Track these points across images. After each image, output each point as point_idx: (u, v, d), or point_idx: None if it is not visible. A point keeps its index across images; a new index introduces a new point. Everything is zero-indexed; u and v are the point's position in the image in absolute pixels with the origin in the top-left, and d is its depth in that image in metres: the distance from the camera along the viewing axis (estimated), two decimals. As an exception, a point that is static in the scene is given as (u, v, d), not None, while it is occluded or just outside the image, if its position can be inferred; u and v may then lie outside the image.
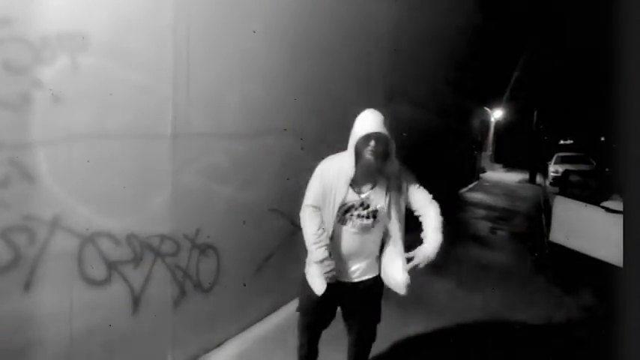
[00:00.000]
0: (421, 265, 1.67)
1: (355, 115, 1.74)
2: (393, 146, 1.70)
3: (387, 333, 2.61)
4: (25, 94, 1.60)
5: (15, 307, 1.64)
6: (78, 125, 1.77)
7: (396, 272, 1.75)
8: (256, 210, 2.82)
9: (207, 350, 2.53)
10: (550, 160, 15.15)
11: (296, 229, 2.82)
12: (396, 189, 1.77)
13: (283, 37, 2.92)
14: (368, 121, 1.66)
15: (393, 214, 1.76)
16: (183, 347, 2.36)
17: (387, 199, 1.74)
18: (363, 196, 1.73)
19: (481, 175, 15.38)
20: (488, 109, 17.72)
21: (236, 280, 2.71)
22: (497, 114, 19.82)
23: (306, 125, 3.24)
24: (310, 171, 1.85)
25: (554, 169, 13.76)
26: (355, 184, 1.73)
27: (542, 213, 8.38)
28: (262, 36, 2.70)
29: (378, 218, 1.75)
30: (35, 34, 1.61)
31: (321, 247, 1.71)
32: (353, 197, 1.72)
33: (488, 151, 19.30)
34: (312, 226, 1.76)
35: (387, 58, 4.83)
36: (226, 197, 2.56)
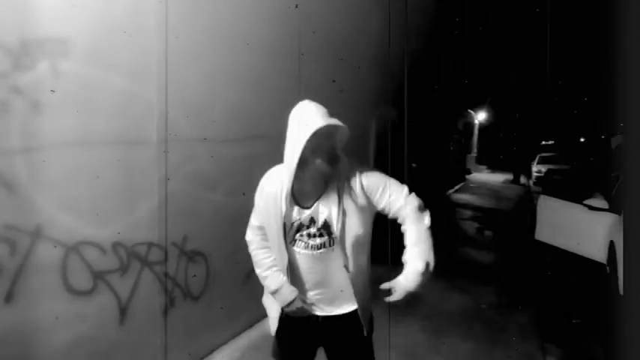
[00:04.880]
0: (398, 298, 1.26)
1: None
2: (345, 136, 1.33)
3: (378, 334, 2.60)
4: (3, 101, 1.56)
5: (-4, 321, 1.58)
6: (60, 132, 1.73)
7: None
8: (244, 216, 2.78)
9: (198, 359, 2.49)
10: (533, 160, 15.45)
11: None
12: (350, 192, 1.32)
13: (270, 43, 2.91)
14: (313, 115, 1.26)
15: (347, 228, 1.32)
16: (173, 356, 2.31)
17: (337, 208, 1.31)
18: (311, 209, 1.33)
19: (467, 176, 15.59)
20: (472, 111, 18.03)
21: (225, 287, 2.67)
22: (481, 116, 20.18)
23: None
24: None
25: (537, 169, 14.02)
26: (303, 196, 1.35)
27: (526, 212, 8.53)
28: (248, 41, 2.70)
29: (334, 235, 1.34)
30: (13, 40, 1.57)
31: (274, 272, 1.46)
32: (299, 214, 1.34)
33: (473, 152, 19.60)
34: (259, 252, 1.52)
35: (376, 65, 4.88)
36: (214, 203, 2.53)
